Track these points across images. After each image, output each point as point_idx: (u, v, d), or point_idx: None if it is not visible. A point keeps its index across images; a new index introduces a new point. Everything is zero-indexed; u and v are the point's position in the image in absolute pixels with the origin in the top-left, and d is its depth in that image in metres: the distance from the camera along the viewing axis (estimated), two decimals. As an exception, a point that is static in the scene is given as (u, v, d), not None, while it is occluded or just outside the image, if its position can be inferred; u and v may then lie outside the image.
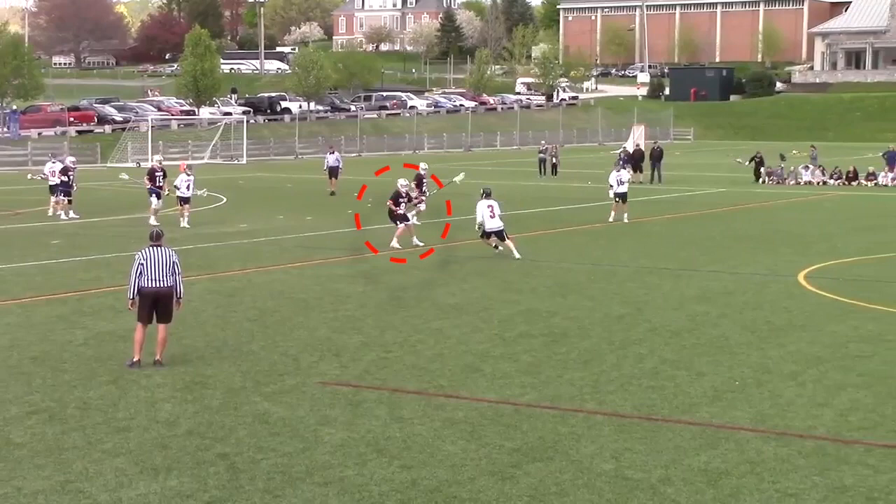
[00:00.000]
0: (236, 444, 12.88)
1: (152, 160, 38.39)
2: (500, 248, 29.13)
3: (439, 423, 13.81)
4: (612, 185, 38.47)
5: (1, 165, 70.02)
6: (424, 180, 36.44)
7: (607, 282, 25.17)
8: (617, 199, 38.14)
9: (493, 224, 28.90)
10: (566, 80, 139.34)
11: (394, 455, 12.54)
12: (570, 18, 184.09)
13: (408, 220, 31.21)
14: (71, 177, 38.89)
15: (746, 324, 20.28)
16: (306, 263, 27.91)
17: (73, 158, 41.84)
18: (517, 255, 28.38)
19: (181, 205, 36.56)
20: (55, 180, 39.13)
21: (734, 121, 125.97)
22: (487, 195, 29.24)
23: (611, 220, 37.83)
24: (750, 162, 59.00)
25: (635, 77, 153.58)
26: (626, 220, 37.65)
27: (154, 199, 36.36)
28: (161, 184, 36.62)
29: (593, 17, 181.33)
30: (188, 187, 36.71)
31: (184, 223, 35.82)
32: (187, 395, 15.03)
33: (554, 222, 38.18)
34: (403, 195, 31.35)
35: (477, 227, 29.30)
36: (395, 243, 30.36)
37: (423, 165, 37.73)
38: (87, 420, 13.82)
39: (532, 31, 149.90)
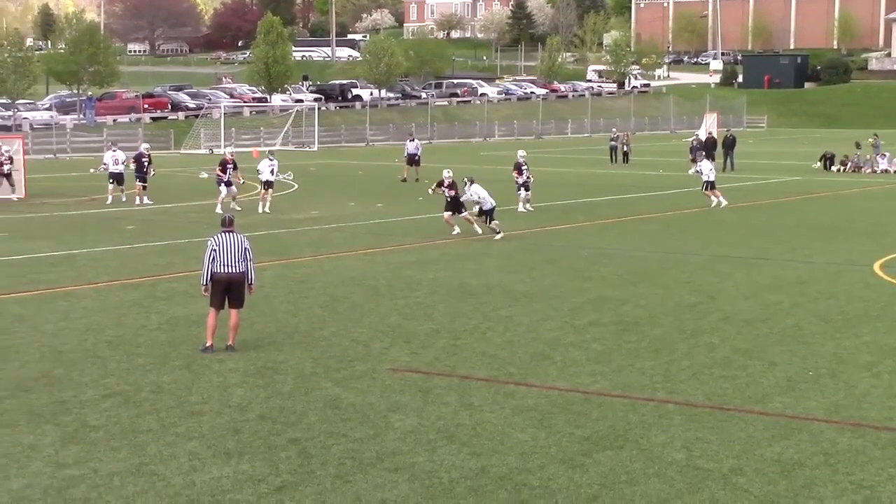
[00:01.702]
0: (307, 430, 12.96)
1: (225, 151, 38.56)
2: (463, 228, 30.59)
3: (509, 410, 13.80)
4: (701, 172, 39.16)
5: (77, 151, 70.90)
6: (524, 167, 36.39)
7: (679, 270, 24.99)
8: (707, 187, 38.73)
9: (492, 203, 30.34)
10: (638, 67, 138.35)
11: (464, 442, 12.55)
12: (642, 5, 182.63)
13: (462, 210, 31.04)
14: (145, 163, 39.27)
15: (820, 313, 20.05)
16: (377, 250, 27.99)
17: (147, 145, 42.19)
18: (501, 235, 29.99)
19: (265, 189, 36.92)
20: (117, 168, 39.46)
21: (808, 108, 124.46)
22: (472, 182, 30.60)
23: (712, 206, 38.23)
24: (820, 161, 58.12)
25: (708, 64, 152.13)
26: (712, 206, 38.31)
27: (223, 188, 36.51)
28: (230, 175, 36.59)
29: (665, 4, 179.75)
30: (272, 172, 37.08)
31: (265, 208, 36.20)
32: (259, 381, 15.14)
33: (625, 210, 37.96)
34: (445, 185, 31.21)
35: (478, 208, 30.55)
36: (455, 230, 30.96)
37: (521, 153, 37.58)
38: (160, 404, 13.97)
39: (603, 19, 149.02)
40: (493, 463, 11.87)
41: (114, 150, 40.72)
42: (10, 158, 39.68)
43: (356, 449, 12.28)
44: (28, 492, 10.90)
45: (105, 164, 40.50)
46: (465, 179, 30.84)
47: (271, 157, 37.95)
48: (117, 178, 39.66)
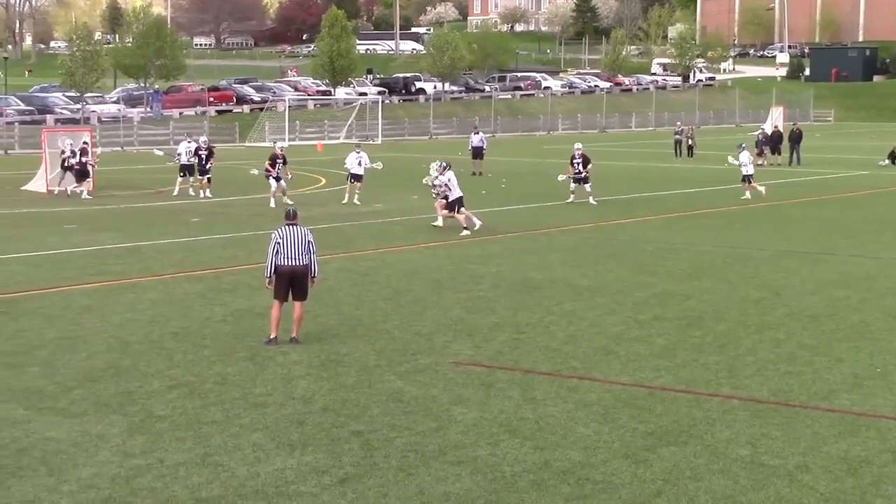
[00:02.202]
0: (370, 422, 13.00)
1: (274, 146, 38.46)
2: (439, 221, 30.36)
3: (572, 404, 13.76)
4: (740, 164, 39.37)
5: (144, 144, 71.59)
6: (576, 161, 36.45)
7: (743, 265, 24.79)
8: (745, 180, 39.11)
9: (457, 193, 29.93)
10: (703, 60, 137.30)
11: (526, 436, 12.54)
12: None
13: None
14: (203, 156, 39.39)
15: (888, 309, 19.81)
16: (440, 244, 28.02)
17: (204, 139, 42.15)
18: (470, 230, 29.44)
19: (352, 182, 37.33)
20: (189, 160, 39.52)
21: (877, 102, 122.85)
22: (448, 167, 30.19)
23: (743, 198, 38.47)
24: (889, 158, 57.17)
25: (774, 57, 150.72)
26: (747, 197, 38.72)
27: (272, 182, 36.41)
28: (279, 171, 36.41)
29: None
30: (359, 164, 37.33)
31: (352, 200, 36.90)
32: (322, 373, 15.21)
33: (689, 204, 37.73)
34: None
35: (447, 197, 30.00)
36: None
37: (577, 146, 37.58)
38: (225, 395, 14.08)
39: (669, 11, 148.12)
40: (556, 457, 11.85)
41: (188, 141, 40.80)
42: (73, 152, 40.00)
43: (419, 442, 12.30)
44: (96, 480, 11.03)
45: (179, 153, 40.58)
46: (442, 164, 30.32)
47: (358, 150, 38.28)
48: (188, 170, 39.83)
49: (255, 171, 41.83)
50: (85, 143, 40.56)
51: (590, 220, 32.71)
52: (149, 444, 12.17)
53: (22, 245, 27.15)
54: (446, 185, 29.83)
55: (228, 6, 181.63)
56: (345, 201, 36.89)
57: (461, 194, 29.99)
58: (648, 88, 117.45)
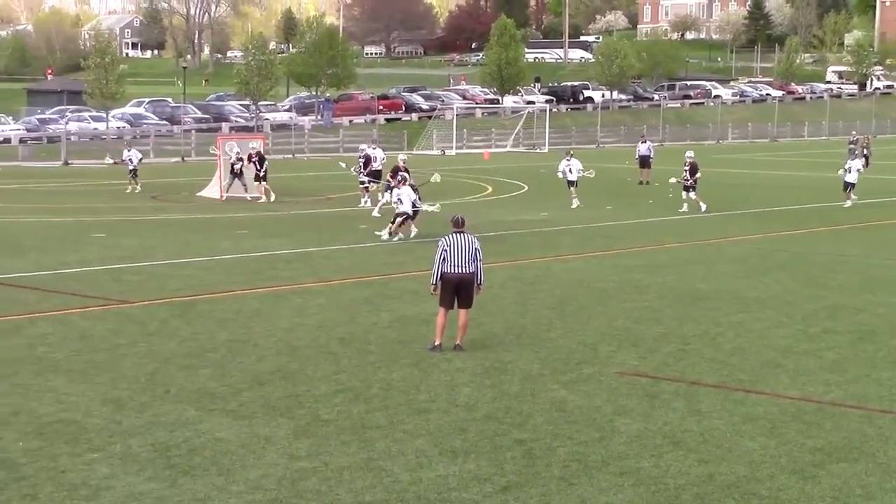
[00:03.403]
0: (533, 431, 12.99)
1: (399, 158, 37.90)
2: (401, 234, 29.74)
3: (738, 417, 13.54)
4: (849, 171, 39.83)
5: (314, 152, 72.89)
6: (685, 167, 36.82)
7: (920, 279, 24.07)
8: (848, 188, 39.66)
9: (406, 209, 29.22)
10: (881, 68, 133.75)
11: (690, 448, 12.38)
12: (887, 3, 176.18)
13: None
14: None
15: None
16: (606, 253, 27.87)
17: (364, 146, 42.08)
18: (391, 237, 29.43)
19: (569, 187, 38.70)
20: (377, 167, 39.68)
21: None
22: (405, 181, 29.75)
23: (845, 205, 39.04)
24: None
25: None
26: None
27: (386, 194, 35.55)
28: (399, 182, 35.93)
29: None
30: (570, 170, 38.84)
31: (577, 204, 37.96)
32: (486, 380, 15.26)
33: (863, 215, 36.79)
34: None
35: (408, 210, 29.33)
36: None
37: (688, 154, 37.77)
38: (389, 400, 14.23)
39: (845, 18, 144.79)
40: (721, 470, 11.67)
41: (373, 148, 40.78)
42: (240, 158, 40.88)
43: (581, 452, 12.25)
44: (263, 482, 11.26)
45: (361, 160, 40.18)
46: (403, 175, 30.13)
47: (569, 157, 39.09)
48: (376, 176, 39.28)
49: (343, 165, 40.95)
50: (252, 147, 41.63)
51: (759, 231, 32.16)
52: (314, 447, 12.37)
53: (196, 249, 27.90)
54: (399, 197, 29.18)
55: (399, 16, 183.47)
56: (573, 206, 38.06)
57: (409, 212, 29.22)
58: (822, 97, 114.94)
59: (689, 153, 38.01)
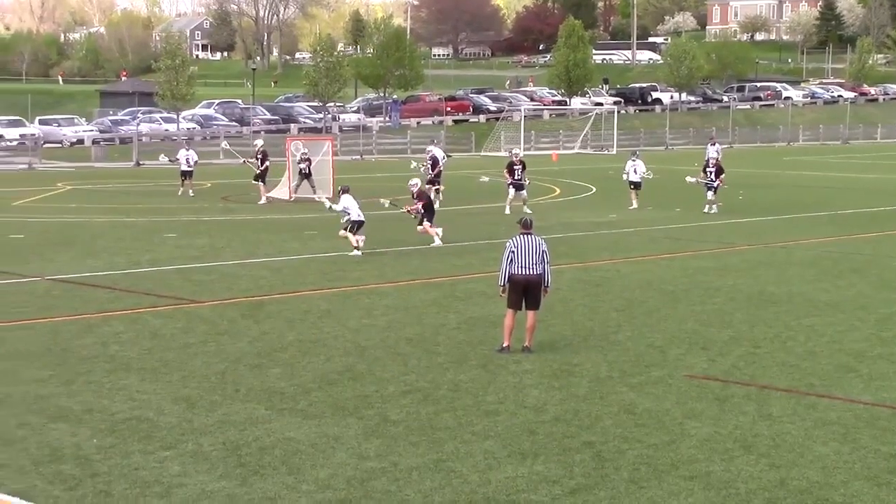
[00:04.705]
0: (602, 433, 12.94)
1: (511, 154, 38.81)
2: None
3: (810, 422, 13.40)
4: None
5: (382, 153, 73.09)
6: (709, 169, 37.05)
7: None
8: None
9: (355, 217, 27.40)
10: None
11: (762, 453, 12.27)
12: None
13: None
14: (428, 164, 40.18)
15: None
16: (675, 255, 27.70)
17: (430, 147, 42.36)
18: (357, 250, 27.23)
19: (631, 188, 38.62)
20: (190, 167, 42.35)
21: None
22: (346, 191, 27.82)
23: None
24: None
25: None
26: None
27: (512, 190, 36.68)
28: (520, 177, 36.69)
29: None
30: (635, 171, 38.57)
31: (632, 205, 37.96)
32: (554, 382, 15.22)
33: (938, 219, 36.28)
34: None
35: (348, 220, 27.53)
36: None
37: (713, 152, 38.35)
38: (458, 402, 14.23)
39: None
40: (793, 476, 11.56)
41: (187, 149, 43.64)
42: (308, 159, 41.13)
43: (651, 455, 12.18)
44: (332, 481, 11.31)
45: (178, 159, 43.46)
46: (339, 189, 29.18)
47: (634, 157, 39.48)
48: (187, 175, 42.89)
49: (486, 179, 42.00)
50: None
51: (831, 234, 31.82)
52: (383, 447, 12.40)
53: (266, 250, 28.10)
54: (344, 208, 27.51)
55: (467, 17, 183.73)
56: (631, 207, 38.08)
57: (361, 220, 27.67)
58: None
59: (713, 152, 38.79)
